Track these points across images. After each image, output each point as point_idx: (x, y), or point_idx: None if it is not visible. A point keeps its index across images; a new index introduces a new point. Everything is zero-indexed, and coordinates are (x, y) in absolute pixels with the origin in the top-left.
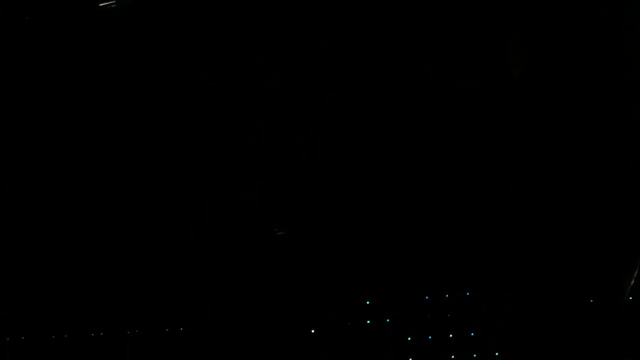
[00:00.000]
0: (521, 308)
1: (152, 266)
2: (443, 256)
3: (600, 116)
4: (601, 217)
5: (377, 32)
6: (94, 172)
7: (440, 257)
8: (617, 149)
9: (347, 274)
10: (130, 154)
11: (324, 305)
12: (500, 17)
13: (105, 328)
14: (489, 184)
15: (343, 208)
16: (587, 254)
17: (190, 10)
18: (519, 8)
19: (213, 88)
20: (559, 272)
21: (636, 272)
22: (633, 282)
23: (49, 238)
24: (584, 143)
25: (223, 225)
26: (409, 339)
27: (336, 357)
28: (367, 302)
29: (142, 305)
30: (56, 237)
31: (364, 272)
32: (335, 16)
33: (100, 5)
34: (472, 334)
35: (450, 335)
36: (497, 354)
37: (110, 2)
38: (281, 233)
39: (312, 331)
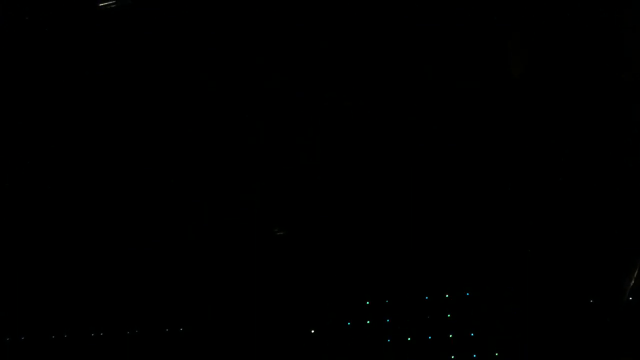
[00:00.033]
0: (521, 308)
1: (152, 266)
2: (443, 256)
3: (600, 116)
4: (601, 217)
5: (377, 32)
6: (94, 172)
7: (440, 257)
8: (617, 149)
9: (346, 274)
10: (130, 153)
11: (324, 305)
12: (500, 17)
13: (105, 328)
14: (489, 184)
15: (343, 208)
16: (587, 254)
17: (190, 11)
18: (519, 8)
19: (213, 88)
20: (559, 272)
21: (636, 272)
22: (633, 282)
23: (49, 238)
24: (584, 143)
25: (223, 225)
26: (409, 339)
27: (336, 357)
28: (367, 302)
29: (142, 305)
30: (56, 237)
31: (364, 272)
32: (335, 16)
33: (100, 5)
34: (472, 334)
35: (450, 336)
36: (497, 354)
37: (110, 2)
38: (281, 233)
39: (312, 331)
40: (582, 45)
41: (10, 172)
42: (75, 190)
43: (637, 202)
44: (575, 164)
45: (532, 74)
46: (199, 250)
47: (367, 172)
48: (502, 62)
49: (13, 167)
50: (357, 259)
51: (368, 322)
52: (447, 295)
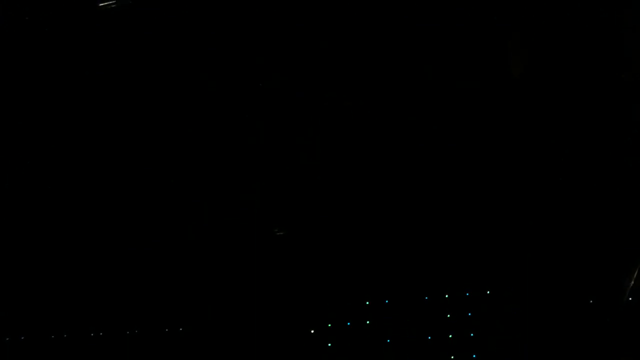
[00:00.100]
0: (521, 308)
1: (152, 266)
2: (443, 256)
3: (600, 116)
4: (601, 217)
5: (377, 32)
6: (93, 172)
7: (440, 257)
8: (617, 149)
9: (346, 274)
10: (130, 153)
11: (324, 305)
12: (500, 17)
13: (105, 328)
14: (489, 184)
15: (343, 208)
16: (587, 254)
17: (190, 11)
18: (519, 8)
19: (213, 88)
20: (559, 273)
21: (636, 272)
22: (633, 282)
23: (49, 238)
24: (584, 143)
25: (223, 225)
26: (409, 339)
27: (336, 357)
28: (367, 302)
29: (142, 305)
30: (56, 237)
31: (364, 272)
32: (335, 16)
33: (100, 5)
34: (472, 334)
35: (450, 336)
36: (497, 354)
37: (110, 2)
38: (281, 233)
39: (312, 331)
40: (582, 45)
41: (10, 172)
42: (75, 190)
43: (637, 202)
44: (575, 164)
45: (532, 74)
46: (199, 250)
47: (367, 172)
48: (502, 62)
49: (13, 167)
50: (357, 259)
51: (368, 322)
52: (447, 296)
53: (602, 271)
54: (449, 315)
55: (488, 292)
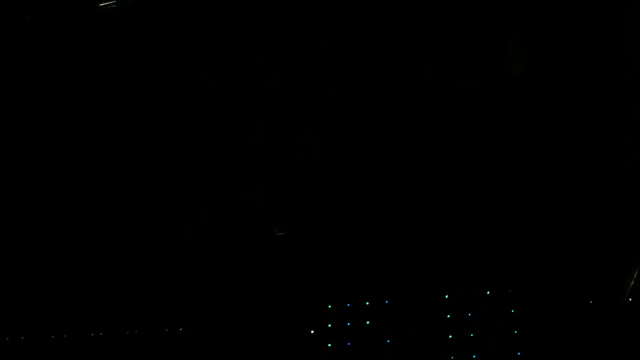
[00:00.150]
0: (521, 308)
1: (152, 266)
2: (443, 256)
3: (600, 116)
4: (601, 218)
5: (377, 32)
6: (93, 172)
7: (440, 257)
8: (617, 149)
9: (346, 274)
10: (130, 153)
11: (324, 305)
12: (500, 17)
13: (105, 328)
14: (489, 184)
15: (343, 208)
16: (587, 254)
17: (190, 11)
18: (519, 8)
19: (213, 88)
20: (559, 273)
21: (636, 272)
22: (633, 282)
23: (49, 238)
24: (584, 143)
25: (223, 226)
26: (409, 339)
27: (336, 357)
28: (367, 302)
29: (142, 305)
30: (56, 237)
31: (364, 272)
32: (335, 16)
33: (100, 5)
34: (472, 334)
35: (450, 336)
36: (497, 354)
37: (110, 2)
38: (281, 233)
39: (312, 331)
40: (582, 45)
41: (10, 172)
42: (75, 190)
43: (637, 202)
44: (575, 164)
45: (532, 74)
46: (199, 250)
47: (367, 172)
48: (502, 62)
49: (13, 167)
50: (357, 259)
51: (368, 322)
52: (447, 296)
53: (602, 271)
54: (449, 316)
55: (488, 292)
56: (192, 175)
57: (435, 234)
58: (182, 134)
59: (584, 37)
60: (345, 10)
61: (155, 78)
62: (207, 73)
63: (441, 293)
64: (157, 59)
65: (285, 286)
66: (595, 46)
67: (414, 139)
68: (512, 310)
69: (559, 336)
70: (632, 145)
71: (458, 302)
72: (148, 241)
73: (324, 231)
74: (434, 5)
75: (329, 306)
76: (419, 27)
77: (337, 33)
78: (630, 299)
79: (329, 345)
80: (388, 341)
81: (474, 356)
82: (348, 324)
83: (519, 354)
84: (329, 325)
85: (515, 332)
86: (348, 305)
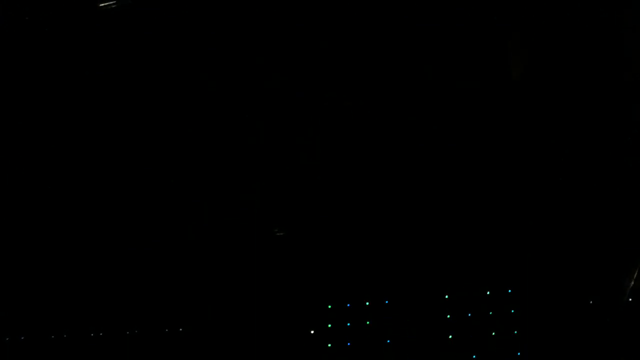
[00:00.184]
0: (521, 308)
1: (152, 266)
2: (443, 256)
3: (600, 116)
4: (601, 217)
5: (377, 32)
6: (93, 172)
7: (440, 257)
8: (617, 149)
9: (346, 274)
10: (130, 154)
11: (324, 305)
12: (500, 17)
13: (105, 328)
14: (489, 184)
15: (343, 208)
16: (587, 254)
17: (190, 11)
18: (519, 8)
19: (213, 88)
20: (559, 273)
21: (636, 272)
22: (633, 282)
23: (49, 238)
24: (584, 143)
25: (223, 226)
26: (409, 339)
27: (336, 357)
28: (367, 303)
29: (142, 305)
30: (56, 237)
31: (364, 273)
32: (335, 16)
33: (100, 5)
34: (472, 334)
35: (450, 336)
36: (497, 354)
37: (110, 2)
38: (281, 233)
39: (312, 331)
40: (582, 45)
41: (10, 172)
42: (75, 190)
43: (637, 202)
44: (575, 164)
45: (532, 74)
46: (199, 250)
47: (367, 172)
48: (502, 63)
49: (13, 167)
50: (357, 259)
51: (368, 322)
52: (447, 296)
53: (602, 271)
54: (449, 316)
55: (488, 292)
56: (192, 175)
57: (435, 234)
58: (182, 134)
59: (584, 37)
60: (345, 10)
61: (156, 78)
62: (207, 73)
63: (441, 293)
64: (157, 59)
65: (285, 286)
66: (595, 46)
67: (414, 139)
68: (512, 310)
69: (559, 336)
70: (632, 145)
71: (458, 302)
72: (148, 241)
73: (324, 231)
74: (434, 5)
75: (329, 306)
76: (419, 27)
77: (337, 33)
78: (630, 299)
79: (329, 345)
80: (388, 341)
81: (474, 356)
82: (348, 324)
83: (519, 354)
84: (329, 326)
85: (515, 332)
86: (348, 305)
